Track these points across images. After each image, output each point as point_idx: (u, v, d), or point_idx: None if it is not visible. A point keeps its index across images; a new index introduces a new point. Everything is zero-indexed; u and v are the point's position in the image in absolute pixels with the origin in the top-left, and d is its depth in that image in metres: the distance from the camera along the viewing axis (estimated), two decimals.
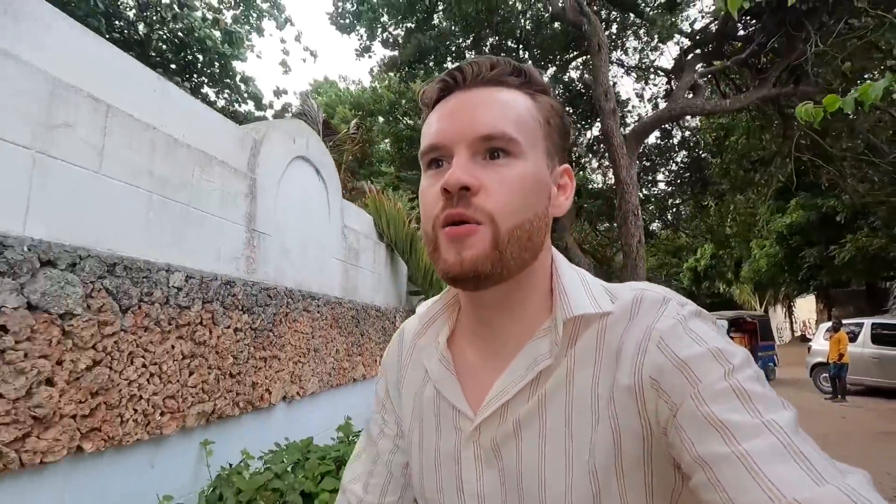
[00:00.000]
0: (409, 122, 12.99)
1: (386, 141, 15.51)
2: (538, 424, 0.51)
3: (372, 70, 12.79)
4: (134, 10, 11.92)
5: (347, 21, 10.58)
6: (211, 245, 2.56)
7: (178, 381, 2.19)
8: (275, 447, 2.51)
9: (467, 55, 10.04)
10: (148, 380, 2.02)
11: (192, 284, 2.30)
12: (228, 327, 2.57)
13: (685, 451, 0.42)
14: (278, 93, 19.70)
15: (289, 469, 2.13)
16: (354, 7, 10.26)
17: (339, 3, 10.45)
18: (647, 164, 12.56)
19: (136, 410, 1.96)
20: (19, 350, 1.52)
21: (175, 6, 11.86)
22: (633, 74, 10.88)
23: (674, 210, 14.40)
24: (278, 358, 3.05)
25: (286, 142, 3.38)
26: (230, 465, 2.33)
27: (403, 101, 13.08)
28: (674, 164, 13.20)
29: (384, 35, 10.48)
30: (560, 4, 7.32)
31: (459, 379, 0.58)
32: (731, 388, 0.42)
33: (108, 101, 1.95)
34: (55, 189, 1.73)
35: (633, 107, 12.64)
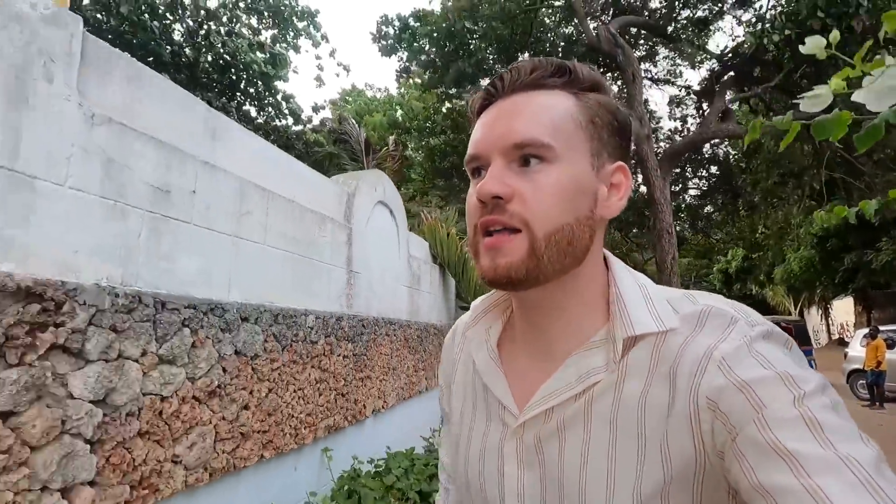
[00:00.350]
0: (443, 137, 13.58)
1: (419, 152, 16.18)
2: (583, 428, 0.51)
3: (399, 77, 13.37)
4: (183, 36, 12.85)
5: (389, 44, 11.24)
6: (325, 288, 3.14)
7: (313, 401, 2.76)
8: (384, 453, 3.06)
9: None
10: (297, 401, 2.60)
11: (318, 323, 2.87)
12: (339, 355, 3.14)
13: (744, 478, 0.40)
14: (316, 108, 20.59)
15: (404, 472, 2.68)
16: (396, 32, 10.91)
17: (382, 28, 11.11)
18: (677, 171, 12.82)
19: (290, 426, 2.54)
20: (233, 385, 2.10)
21: (222, 33, 12.75)
22: (663, 89, 11.18)
23: (704, 219, 14.58)
24: (370, 378, 3.62)
25: (370, 192, 3.95)
26: (353, 468, 2.89)
27: (438, 118, 13.67)
28: (704, 171, 13.42)
29: (423, 58, 11.08)
30: (594, 34, 7.75)
31: (506, 374, 0.59)
32: (800, 415, 0.39)
33: (268, 187, 2.53)
34: (243, 262, 2.31)
35: (661, 118, 12.87)
